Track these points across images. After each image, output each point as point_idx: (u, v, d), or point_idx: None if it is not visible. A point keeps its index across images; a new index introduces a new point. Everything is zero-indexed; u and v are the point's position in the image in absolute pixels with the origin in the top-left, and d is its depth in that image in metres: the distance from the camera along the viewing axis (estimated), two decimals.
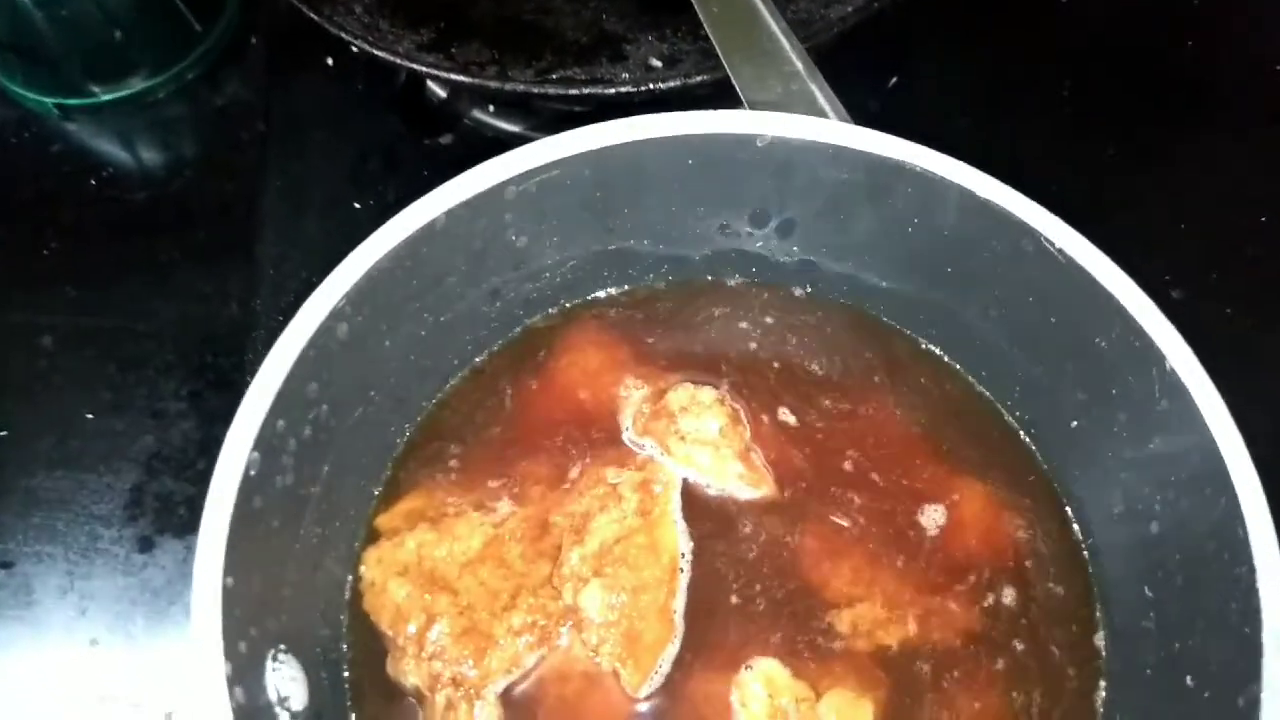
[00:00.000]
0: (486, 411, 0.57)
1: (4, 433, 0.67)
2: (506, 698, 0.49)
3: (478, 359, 0.58)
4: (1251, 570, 0.40)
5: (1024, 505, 0.54)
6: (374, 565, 0.52)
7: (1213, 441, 0.42)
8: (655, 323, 0.59)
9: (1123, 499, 0.49)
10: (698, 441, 0.55)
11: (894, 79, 0.82)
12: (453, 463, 0.56)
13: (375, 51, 0.70)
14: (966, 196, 0.49)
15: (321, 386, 0.48)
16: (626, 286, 0.60)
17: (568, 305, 0.60)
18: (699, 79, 0.68)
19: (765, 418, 0.56)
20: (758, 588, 0.52)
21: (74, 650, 0.60)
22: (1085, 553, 0.53)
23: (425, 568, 0.51)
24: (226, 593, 0.41)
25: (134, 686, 0.59)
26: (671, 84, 0.68)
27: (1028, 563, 0.53)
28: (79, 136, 0.80)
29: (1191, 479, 0.44)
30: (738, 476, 0.54)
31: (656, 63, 0.73)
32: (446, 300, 0.54)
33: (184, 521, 0.64)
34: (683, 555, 0.52)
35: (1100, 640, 0.51)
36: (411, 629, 0.50)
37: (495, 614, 0.50)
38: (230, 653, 0.40)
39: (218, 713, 0.39)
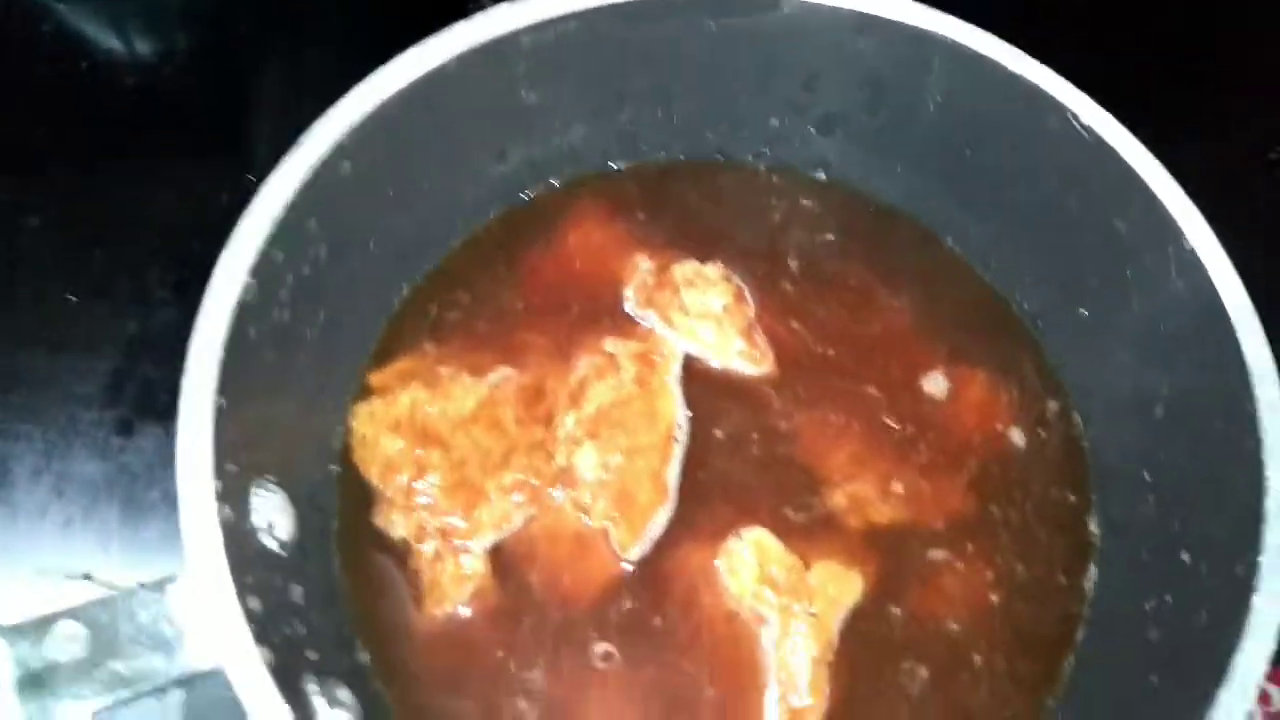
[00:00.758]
0: (487, 277, 0.56)
1: None
2: (494, 556, 0.49)
3: (480, 223, 0.57)
4: (1259, 443, 0.40)
5: (1024, 395, 0.54)
6: (365, 420, 0.51)
7: (1226, 315, 0.42)
8: (664, 199, 0.58)
9: (1131, 384, 0.49)
10: (701, 316, 0.54)
11: None
12: (449, 327, 0.54)
13: None
14: (995, 69, 0.48)
15: (321, 225, 0.46)
16: (638, 160, 0.59)
17: (576, 175, 0.58)
18: None
19: (770, 298, 0.56)
20: (753, 462, 0.51)
21: (49, 531, 0.59)
22: (1085, 442, 0.52)
23: (418, 423, 0.50)
24: (219, 412, 0.40)
25: (108, 569, 0.58)
26: None
27: (1023, 450, 0.53)
28: (71, 18, 0.77)
29: (1202, 358, 0.44)
30: (739, 353, 0.54)
31: None
32: (452, 153, 0.52)
33: (164, 407, 0.60)
34: (679, 425, 0.52)
35: (1093, 525, 0.51)
36: (402, 479, 0.49)
37: (487, 470, 0.49)
38: (219, 472, 0.39)
39: (205, 525, 0.38)
